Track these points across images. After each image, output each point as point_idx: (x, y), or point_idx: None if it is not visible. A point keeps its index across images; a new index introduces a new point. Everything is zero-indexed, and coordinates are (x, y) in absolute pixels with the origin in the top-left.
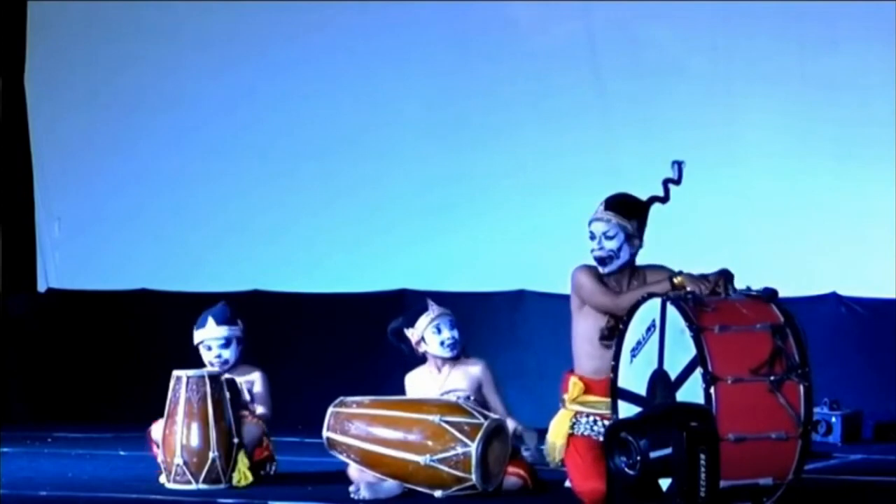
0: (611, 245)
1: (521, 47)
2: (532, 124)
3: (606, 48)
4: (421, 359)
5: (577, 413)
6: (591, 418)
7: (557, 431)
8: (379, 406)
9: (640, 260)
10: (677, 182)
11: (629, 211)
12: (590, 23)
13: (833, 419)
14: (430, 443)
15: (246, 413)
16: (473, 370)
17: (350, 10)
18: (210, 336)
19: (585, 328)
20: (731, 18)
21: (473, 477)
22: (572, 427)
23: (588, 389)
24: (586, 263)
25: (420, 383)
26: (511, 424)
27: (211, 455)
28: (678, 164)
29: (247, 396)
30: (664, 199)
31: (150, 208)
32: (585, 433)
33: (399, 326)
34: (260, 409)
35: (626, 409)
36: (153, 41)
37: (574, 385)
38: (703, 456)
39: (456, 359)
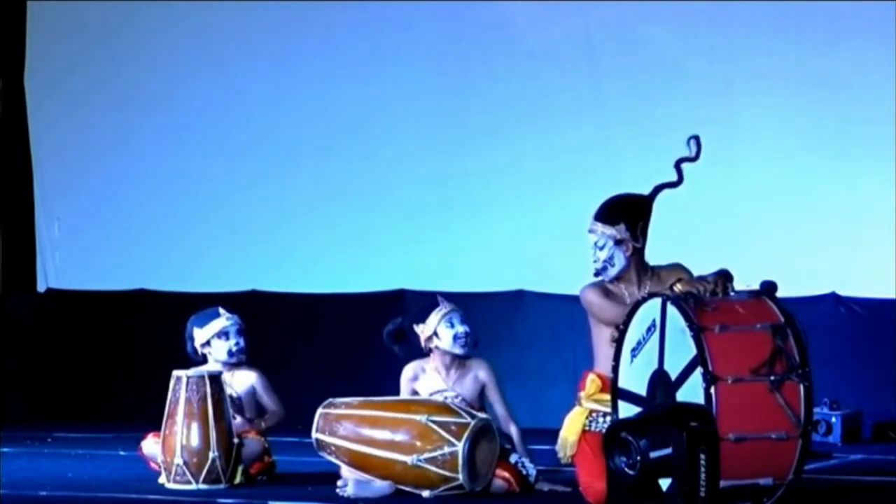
0: (601, 255)
1: (519, 46)
2: (530, 123)
3: (604, 47)
4: (404, 361)
5: (592, 411)
6: (607, 417)
7: (571, 428)
8: (367, 407)
9: (652, 260)
10: (695, 159)
11: (615, 215)
12: (587, 22)
13: (833, 419)
14: (417, 443)
15: (249, 430)
16: (479, 371)
17: (348, 8)
18: (226, 324)
19: (602, 334)
20: (730, 17)
21: (461, 476)
22: (588, 424)
23: (605, 388)
24: (592, 281)
25: (427, 380)
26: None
27: (211, 455)
28: (696, 139)
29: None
30: (677, 183)
31: (148, 208)
32: (598, 430)
33: (397, 328)
34: (272, 407)
35: (626, 409)
36: (152, 41)
37: (592, 382)
38: (703, 456)
39: (464, 358)
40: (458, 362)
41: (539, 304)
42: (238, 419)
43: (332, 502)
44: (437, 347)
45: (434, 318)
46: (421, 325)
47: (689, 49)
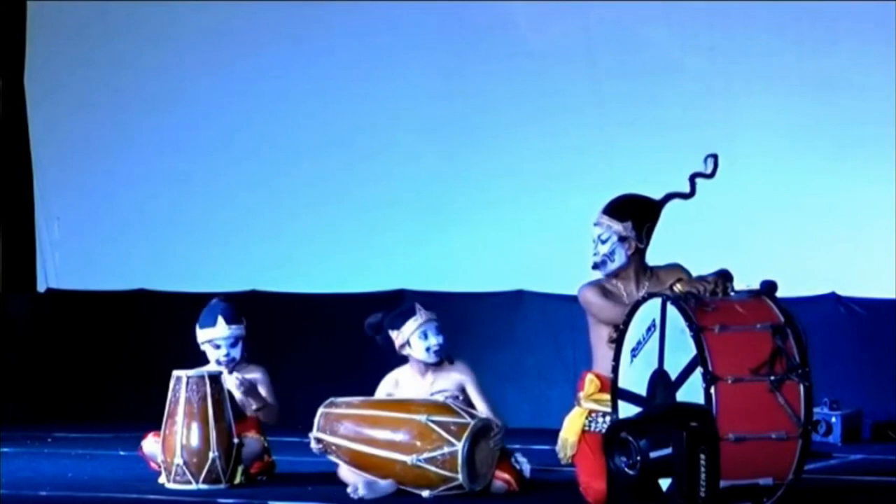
0: (603, 249)
1: (518, 46)
2: (530, 123)
3: (603, 47)
4: (402, 357)
5: (591, 412)
6: (606, 417)
7: (571, 428)
8: (368, 406)
9: (651, 259)
10: (710, 176)
11: (623, 213)
12: (587, 22)
13: (833, 419)
14: (417, 442)
15: (251, 432)
16: (456, 374)
17: (347, 8)
18: (220, 335)
19: (601, 334)
20: (729, 18)
21: (460, 476)
22: (588, 424)
23: (604, 388)
24: (590, 281)
25: (405, 386)
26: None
27: (211, 455)
28: (713, 158)
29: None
30: (688, 195)
31: (148, 208)
32: (598, 430)
33: (378, 322)
34: (268, 399)
35: (626, 409)
36: (152, 41)
37: (590, 382)
38: (703, 456)
39: (439, 364)
40: (434, 367)
41: (539, 304)
42: (238, 395)
43: (332, 502)
44: (409, 355)
45: (409, 326)
46: (395, 332)
47: (689, 49)
